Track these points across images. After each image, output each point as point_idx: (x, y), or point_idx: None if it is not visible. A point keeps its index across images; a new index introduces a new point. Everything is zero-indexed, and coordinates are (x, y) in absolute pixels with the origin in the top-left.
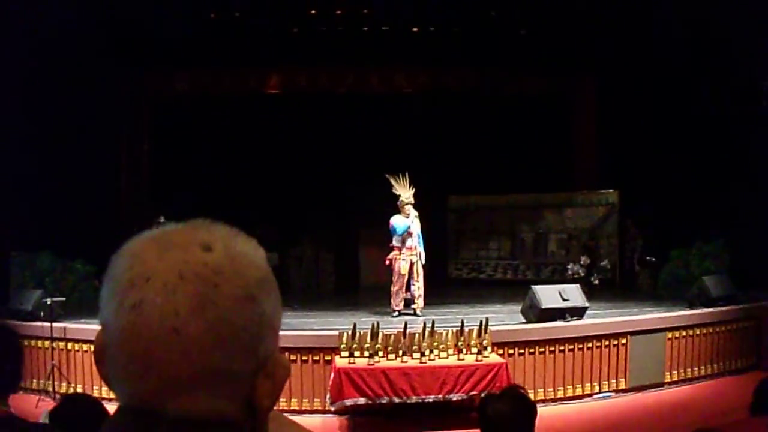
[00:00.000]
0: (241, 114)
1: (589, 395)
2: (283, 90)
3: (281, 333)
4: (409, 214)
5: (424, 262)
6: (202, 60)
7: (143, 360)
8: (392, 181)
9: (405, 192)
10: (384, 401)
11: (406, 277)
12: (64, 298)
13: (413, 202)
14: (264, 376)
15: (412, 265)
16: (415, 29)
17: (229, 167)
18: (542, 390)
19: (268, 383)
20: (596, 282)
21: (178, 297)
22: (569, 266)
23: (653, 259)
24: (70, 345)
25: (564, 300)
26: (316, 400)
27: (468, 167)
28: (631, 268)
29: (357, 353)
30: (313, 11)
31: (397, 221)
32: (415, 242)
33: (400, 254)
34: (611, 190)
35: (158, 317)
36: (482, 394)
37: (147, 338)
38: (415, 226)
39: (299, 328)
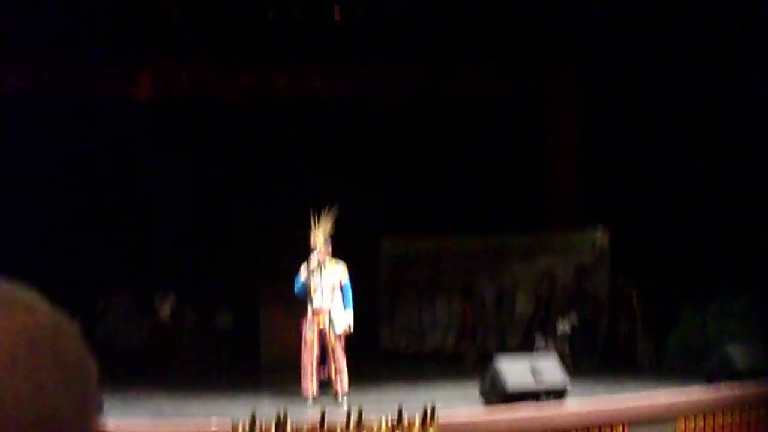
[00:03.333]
0: (98, 122)
1: None
2: (158, 93)
3: (152, 423)
4: (320, 264)
5: (340, 331)
6: (45, 51)
7: None
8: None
9: (316, 233)
10: None
11: (316, 349)
12: None
13: (325, 247)
14: None
15: (323, 333)
16: (336, 19)
17: (79, 192)
18: None
19: None
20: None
21: (37, 376)
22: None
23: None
24: None
25: (537, 378)
26: None
27: (406, 199)
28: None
29: None
30: None
31: (300, 273)
32: (327, 302)
33: (305, 318)
34: (599, 229)
35: (25, 407)
36: None
37: None
38: (328, 280)
39: (178, 413)
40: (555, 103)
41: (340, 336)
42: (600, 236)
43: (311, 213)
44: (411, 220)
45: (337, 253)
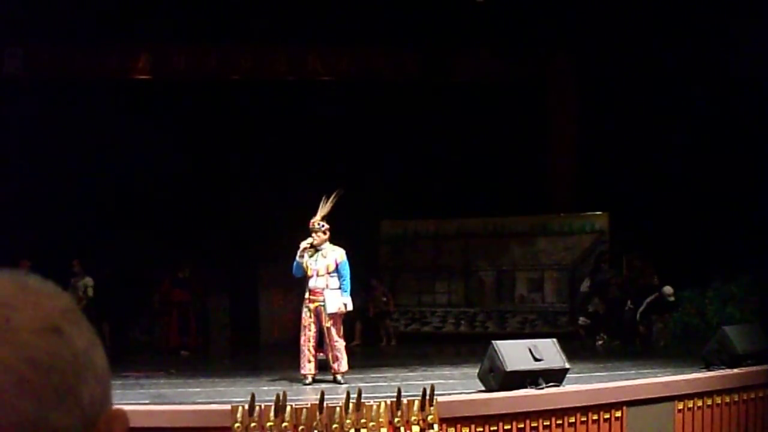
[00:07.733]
0: (98, 104)
1: None
2: (156, 74)
3: (152, 408)
4: (319, 246)
5: (332, 310)
6: (42, 33)
7: None
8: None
9: (316, 215)
10: None
11: (312, 330)
12: None
13: (324, 228)
14: None
15: (319, 314)
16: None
17: (77, 173)
18: None
19: None
20: (599, 344)
21: (72, 348)
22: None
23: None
24: None
25: (536, 360)
26: None
27: (406, 182)
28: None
29: None
30: None
31: (298, 254)
32: (323, 284)
33: (303, 300)
34: (598, 213)
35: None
36: None
37: None
38: (324, 262)
39: (178, 400)
40: (554, 88)
41: (334, 317)
42: (600, 220)
43: (325, 198)
44: (409, 202)
45: (338, 236)
